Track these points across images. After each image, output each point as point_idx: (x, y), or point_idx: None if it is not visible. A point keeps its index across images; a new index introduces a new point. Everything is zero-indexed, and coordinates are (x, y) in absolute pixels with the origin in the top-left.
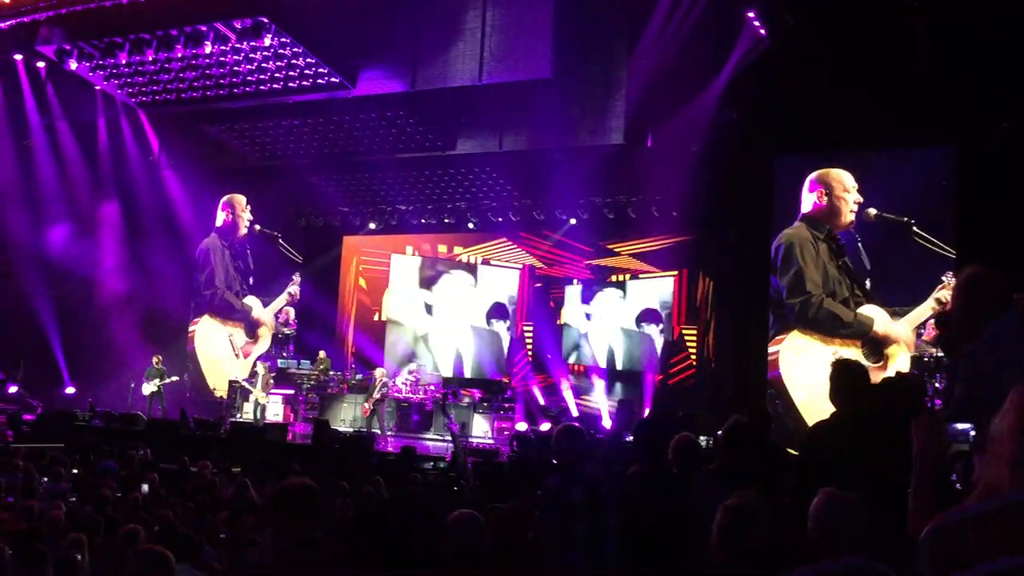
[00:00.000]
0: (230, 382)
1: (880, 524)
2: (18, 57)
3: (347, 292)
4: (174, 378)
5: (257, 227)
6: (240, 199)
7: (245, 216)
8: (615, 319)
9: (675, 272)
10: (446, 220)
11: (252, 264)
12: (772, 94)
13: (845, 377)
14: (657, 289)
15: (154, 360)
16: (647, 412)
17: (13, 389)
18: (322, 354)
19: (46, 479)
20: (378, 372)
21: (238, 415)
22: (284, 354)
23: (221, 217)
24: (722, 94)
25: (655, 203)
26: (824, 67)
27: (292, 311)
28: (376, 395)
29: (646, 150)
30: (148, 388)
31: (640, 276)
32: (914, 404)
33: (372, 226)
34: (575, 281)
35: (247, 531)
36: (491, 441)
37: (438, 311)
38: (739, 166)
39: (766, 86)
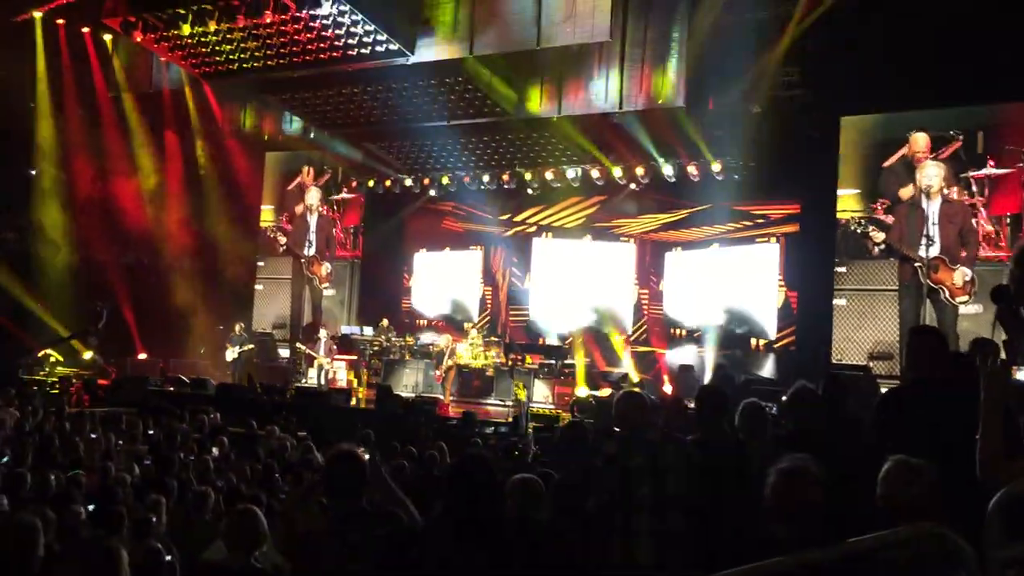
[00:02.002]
0: (294, 348)
1: (951, 492)
2: (85, 30)
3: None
4: (250, 347)
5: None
6: (307, 168)
7: (311, 184)
8: (689, 283)
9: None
10: (506, 186)
11: (315, 229)
12: (838, 51)
13: (921, 343)
14: (729, 253)
15: (237, 327)
16: (709, 377)
17: (88, 355)
18: (385, 322)
19: (121, 442)
20: (444, 339)
21: (303, 380)
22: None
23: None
24: (786, 53)
25: (720, 164)
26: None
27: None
28: (448, 361)
29: (707, 112)
30: (231, 354)
31: (701, 242)
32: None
33: (432, 193)
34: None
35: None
36: (552, 406)
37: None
38: (804, 126)
39: (831, 42)
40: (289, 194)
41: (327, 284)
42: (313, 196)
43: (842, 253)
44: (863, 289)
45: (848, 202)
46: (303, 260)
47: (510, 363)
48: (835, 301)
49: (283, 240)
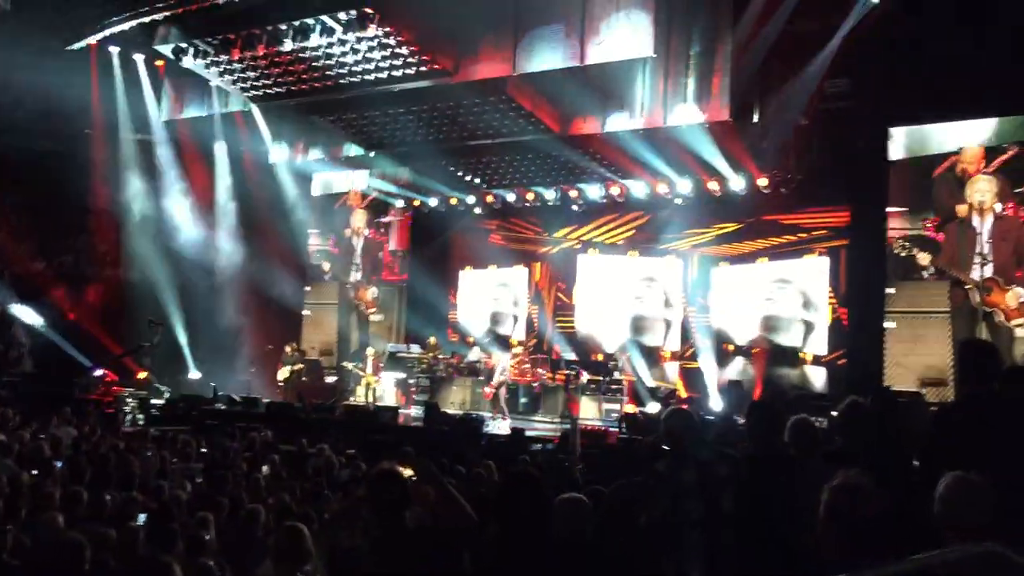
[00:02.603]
0: (341, 366)
1: (1011, 509)
2: (138, 56)
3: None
4: (300, 366)
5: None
6: (353, 191)
7: (358, 207)
8: (733, 299)
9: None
10: (549, 203)
11: (361, 252)
12: (887, 60)
13: (973, 357)
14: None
15: (288, 348)
16: (759, 393)
17: (99, 372)
18: (432, 339)
19: (176, 460)
20: (495, 355)
21: (351, 399)
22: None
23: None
24: (832, 63)
25: (767, 178)
26: (942, 30)
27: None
28: (500, 377)
29: (752, 125)
30: (283, 374)
31: (748, 256)
32: None
33: (478, 211)
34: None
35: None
36: (599, 423)
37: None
38: (851, 138)
39: (881, 52)
40: (336, 217)
41: (374, 310)
42: (359, 218)
43: (890, 274)
44: (913, 312)
45: (896, 221)
46: (349, 286)
47: (564, 379)
48: (885, 324)
49: (328, 266)
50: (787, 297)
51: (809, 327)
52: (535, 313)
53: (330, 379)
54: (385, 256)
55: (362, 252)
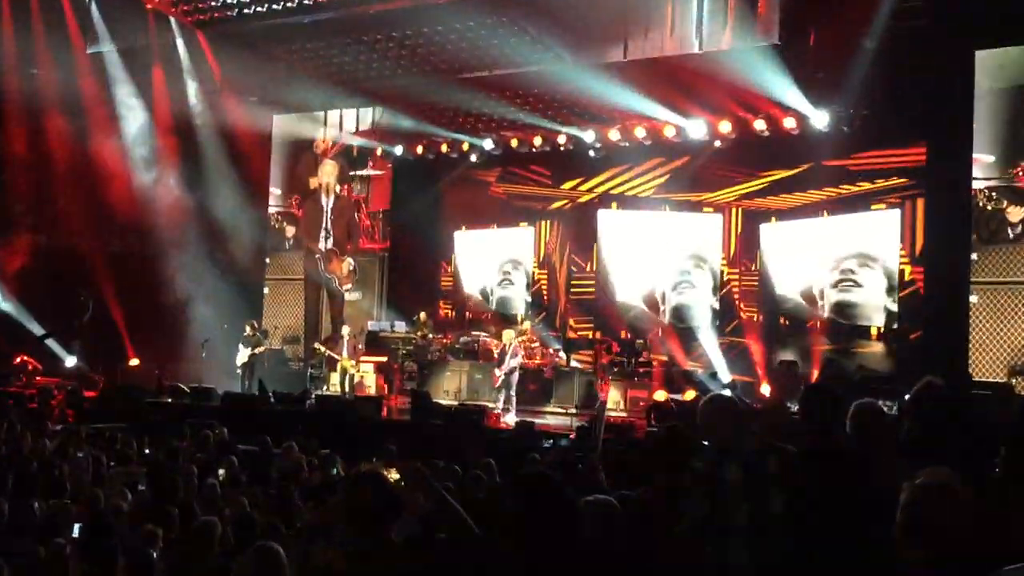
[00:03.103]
0: (312, 349)
1: None
2: None
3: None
4: (262, 348)
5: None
6: (321, 137)
7: (328, 157)
8: (790, 261)
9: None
10: (562, 148)
11: (332, 214)
12: None
13: None
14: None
15: (247, 328)
16: (816, 375)
17: (71, 362)
18: (422, 315)
19: (113, 463)
20: (506, 334)
21: (323, 387)
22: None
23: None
24: None
25: (825, 115)
26: None
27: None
28: (512, 361)
29: (807, 50)
30: (241, 357)
31: (803, 210)
32: None
33: (473, 159)
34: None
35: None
36: (624, 414)
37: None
38: (929, 64)
39: None
40: (300, 169)
41: (349, 285)
42: (330, 171)
43: (972, 235)
44: (1002, 282)
45: (980, 170)
46: (318, 256)
47: (592, 356)
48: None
49: (291, 232)
50: (850, 258)
51: (876, 295)
52: (544, 282)
53: (298, 364)
54: (362, 218)
55: (333, 213)
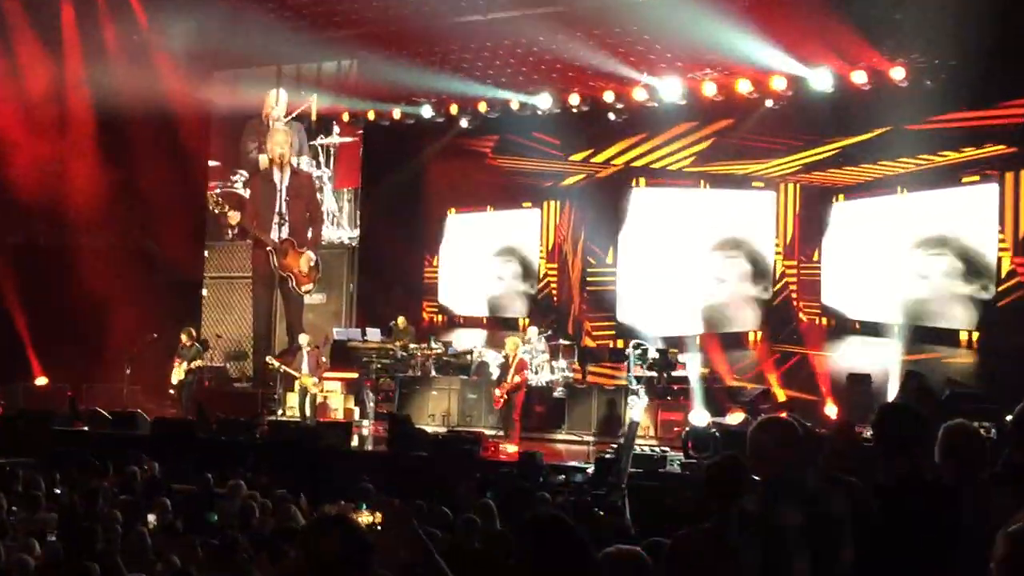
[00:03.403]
0: (264, 364)
1: None
2: None
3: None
4: (200, 362)
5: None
6: (272, 99)
7: (281, 121)
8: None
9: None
10: (575, 110)
11: (287, 194)
12: None
13: None
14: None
15: (183, 337)
16: (896, 391)
17: None
18: (401, 320)
19: (15, 508)
20: (511, 342)
21: (278, 411)
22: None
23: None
24: None
25: (903, 67)
26: None
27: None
28: (514, 379)
29: None
30: (178, 374)
31: (876, 185)
32: None
33: (464, 125)
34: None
35: None
36: (654, 442)
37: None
38: None
39: None
40: (246, 139)
41: (310, 286)
42: (283, 141)
43: None
44: None
45: None
46: (270, 248)
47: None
48: None
49: (236, 217)
50: (936, 246)
51: (975, 299)
52: (554, 278)
53: (246, 384)
54: (326, 200)
55: (289, 194)
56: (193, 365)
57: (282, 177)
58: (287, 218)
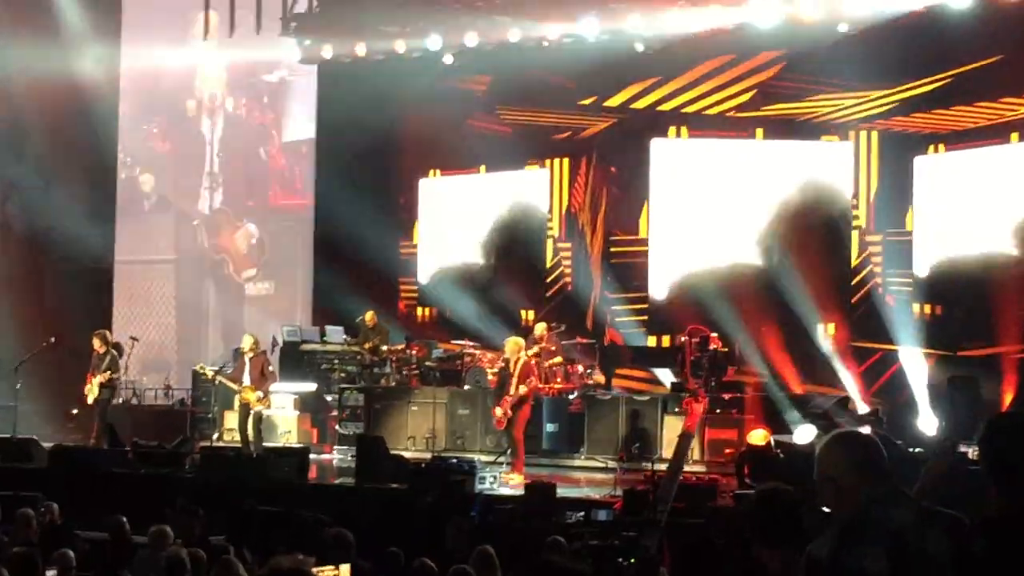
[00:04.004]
0: (194, 374)
1: None
2: None
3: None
4: (115, 375)
5: None
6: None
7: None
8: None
9: None
10: (588, 43)
11: (219, 145)
12: None
13: None
14: None
15: (96, 342)
16: (1009, 401)
17: None
18: (369, 316)
19: None
20: (512, 343)
21: (214, 435)
22: None
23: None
24: None
25: None
26: None
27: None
28: (519, 389)
29: None
30: (91, 391)
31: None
32: None
33: (448, 61)
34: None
35: None
36: (701, 469)
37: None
38: None
39: None
40: (166, 76)
41: (252, 271)
42: (215, 76)
43: None
44: None
45: None
46: (198, 222)
47: (682, 365)
48: None
49: (151, 183)
50: None
51: None
52: (567, 257)
53: (170, 400)
54: (273, 154)
55: (223, 149)
56: (105, 377)
57: (213, 126)
58: (220, 181)
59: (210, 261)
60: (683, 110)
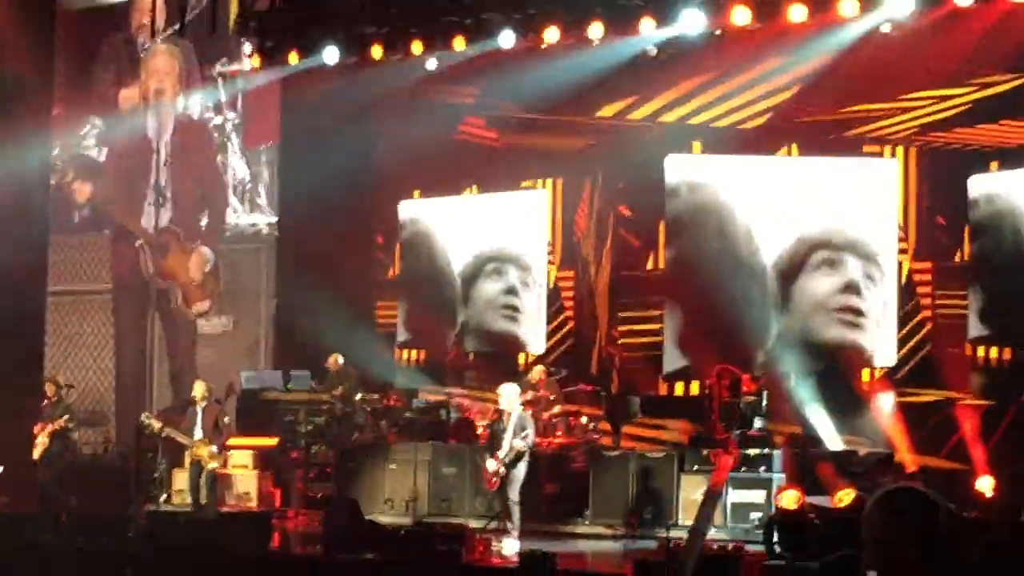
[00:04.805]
0: (139, 426)
1: None
2: None
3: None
4: (63, 423)
5: None
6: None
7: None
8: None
9: None
10: (594, 45)
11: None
12: None
13: None
14: None
15: (48, 388)
16: None
17: None
18: (334, 360)
19: None
20: (507, 390)
21: (161, 498)
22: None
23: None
24: None
25: None
26: None
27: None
28: (515, 443)
29: None
30: (42, 443)
31: None
32: None
33: (430, 68)
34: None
35: None
36: (724, 537)
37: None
38: None
39: None
40: (102, 67)
41: (205, 305)
42: (164, 67)
43: None
44: None
45: None
46: (142, 243)
47: (723, 399)
48: None
49: (87, 191)
50: None
51: None
52: (570, 290)
53: (112, 456)
54: (232, 168)
55: (173, 156)
56: (60, 424)
57: (161, 128)
58: (168, 194)
59: (155, 291)
60: (701, 122)
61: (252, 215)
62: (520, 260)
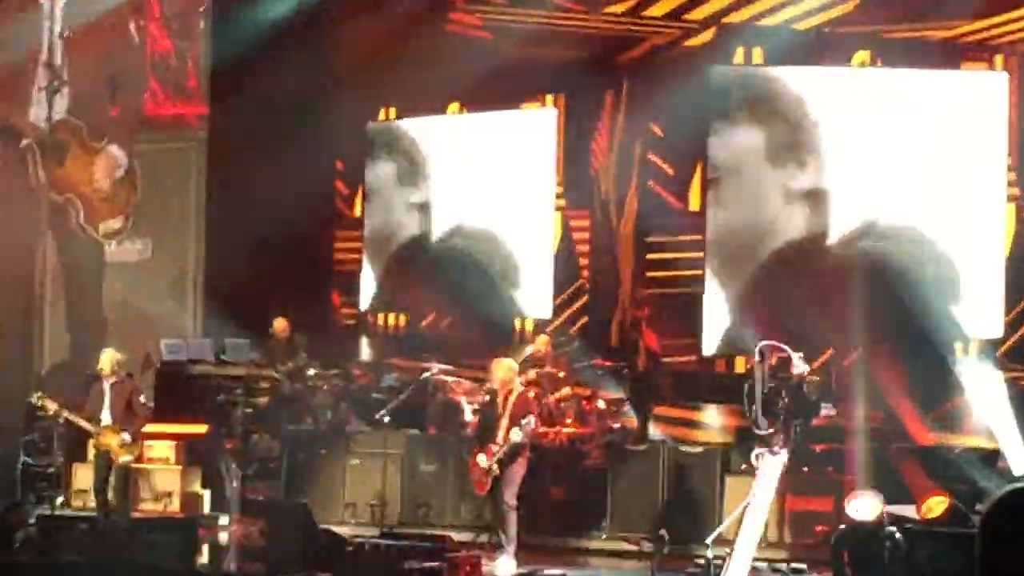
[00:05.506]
0: (28, 406)
1: None
2: None
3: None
4: None
5: None
6: None
7: None
8: None
9: None
10: None
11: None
12: None
13: None
14: None
15: None
16: None
17: None
18: (279, 324)
19: None
20: (503, 366)
21: (57, 499)
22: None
23: None
24: None
25: None
26: None
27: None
28: (513, 435)
29: None
30: None
31: None
32: None
33: None
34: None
35: None
36: (782, 554)
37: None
38: None
39: None
40: None
41: (117, 222)
42: None
43: None
44: None
45: None
46: (27, 145)
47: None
48: None
49: None
50: None
51: None
52: (584, 239)
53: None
54: (152, 39)
55: (70, 21)
56: None
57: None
58: (65, 75)
59: (49, 205)
60: (758, 22)
61: (177, 103)
62: (529, 197)
